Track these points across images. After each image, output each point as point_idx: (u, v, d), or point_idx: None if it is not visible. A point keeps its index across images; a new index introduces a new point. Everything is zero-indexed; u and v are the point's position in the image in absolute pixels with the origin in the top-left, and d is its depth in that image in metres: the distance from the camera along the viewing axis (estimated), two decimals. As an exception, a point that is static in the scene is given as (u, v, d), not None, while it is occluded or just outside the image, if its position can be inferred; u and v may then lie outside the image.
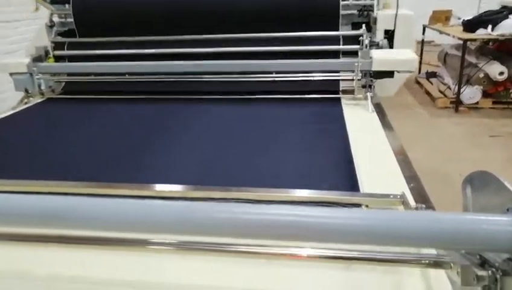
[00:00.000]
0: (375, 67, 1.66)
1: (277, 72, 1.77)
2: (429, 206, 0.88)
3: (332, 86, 1.79)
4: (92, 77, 1.94)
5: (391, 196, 0.92)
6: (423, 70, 5.45)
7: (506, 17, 4.21)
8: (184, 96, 1.81)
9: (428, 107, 4.76)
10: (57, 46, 2.08)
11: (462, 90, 4.54)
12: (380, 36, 1.84)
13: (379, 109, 1.63)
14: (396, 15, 1.82)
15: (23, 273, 0.77)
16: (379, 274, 0.72)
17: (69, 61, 2.09)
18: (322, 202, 0.93)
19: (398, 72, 1.66)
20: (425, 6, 5.17)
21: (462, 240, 0.54)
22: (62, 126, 1.58)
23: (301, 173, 1.11)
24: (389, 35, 1.84)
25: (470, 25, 4.45)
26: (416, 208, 0.85)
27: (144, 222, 0.58)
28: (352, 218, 0.57)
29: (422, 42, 5.47)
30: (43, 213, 0.59)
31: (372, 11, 1.87)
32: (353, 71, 1.69)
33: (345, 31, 1.89)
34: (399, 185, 1.00)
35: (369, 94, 1.65)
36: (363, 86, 1.76)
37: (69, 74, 2.02)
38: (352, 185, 1.02)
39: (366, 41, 1.78)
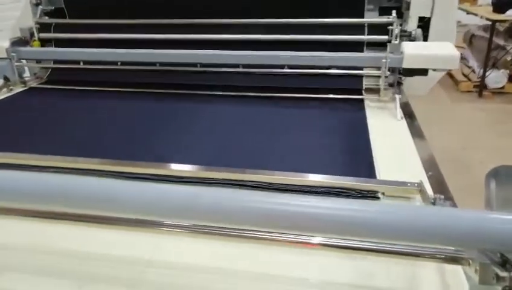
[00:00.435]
0: (407, 64, 1.40)
1: (289, 66, 1.51)
2: (448, 196, 0.85)
3: (354, 84, 1.54)
4: (82, 65, 1.70)
5: (408, 184, 0.90)
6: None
7: (541, -4, 3.87)
8: (180, 90, 1.58)
9: (450, 91, 4.50)
10: (43, 27, 1.84)
11: (487, 73, 4.26)
12: (412, 25, 1.56)
13: (407, 111, 1.39)
14: (434, -1, 1.54)
15: (40, 249, 0.79)
16: (392, 265, 0.71)
17: (56, 45, 1.85)
18: (337, 188, 0.92)
19: (434, 70, 1.40)
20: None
21: (484, 239, 0.52)
22: (38, 124, 1.37)
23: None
24: (424, 23, 1.56)
25: (500, 5, 4.12)
26: (434, 199, 0.82)
27: (158, 207, 0.58)
28: (369, 211, 0.55)
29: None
30: (62, 193, 0.60)
31: (406, -7, 1.59)
32: (379, 68, 1.43)
33: (371, 17, 1.61)
34: (417, 173, 0.98)
35: (397, 96, 1.40)
36: (390, 85, 1.50)
37: (55, 61, 1.79)
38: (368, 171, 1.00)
39: (397, 31, 1.51)
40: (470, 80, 4.45)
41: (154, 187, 0.61)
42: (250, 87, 1.56)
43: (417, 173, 0.99)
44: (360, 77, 1.54)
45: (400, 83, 1.51)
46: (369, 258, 0.69)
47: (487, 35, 4.19)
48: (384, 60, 1.39)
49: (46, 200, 0.61)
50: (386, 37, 1.53)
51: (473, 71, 4.51)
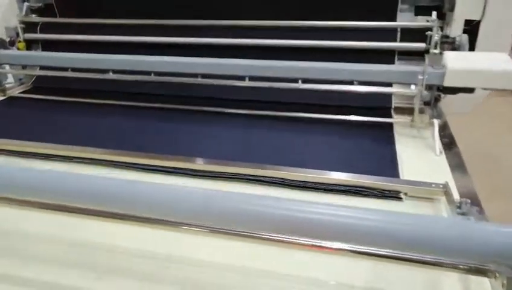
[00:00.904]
0: (450, 82, 1.10)
1: (303, 81, 1.25)
2: (475, 201, 0.80)
3: (381, 102, 1.26)
4: (71, 72, 1.48)
5: (433, 185, 0.87)
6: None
7: None
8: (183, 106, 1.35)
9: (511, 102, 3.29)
10: (30, 27, 1.64)
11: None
12: (457, 29, 1.26)
13: (447, 139, 1.10)
14: (487, -3, 1.23)
15: (61, 240, 0.82)
16: (413, 273, 0.68)
17: (44, 48, 1.64)
18: (358, 187, 0.90)
19: (484, 89, 1.11)
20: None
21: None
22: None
23: None
24: (472, 28, 1.26)
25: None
26: (460, 203, 0.79)
27: (177, 209, 0.59)
28: (393, 222, 0.52)
29: None
30: (85, 192, 0.62)
31: (449, -11, 1.28)
32: (414, 84, 1.15)
33: (404, 20, 1.31)
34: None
35: (435, 122, 1.11)
36: (426, 103, 1.21)
37: (42, 67, 1.59)
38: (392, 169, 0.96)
39: (437, 38, 1.22)
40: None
41: (168, 189, 0.61)
42: (252, 104, 1.31)
43: None
44: (389, 94, 1.26)
45: (437, 100, 1.22)
46: (390, 265, 0.65)
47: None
48: (421, 77, 1.10)
49: (69, 198, 0.64)
50: (423, 44, 1.24)
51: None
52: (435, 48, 1.22)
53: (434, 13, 1.23)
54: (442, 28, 1.27)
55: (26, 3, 1.65)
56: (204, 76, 1.31)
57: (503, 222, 0.51)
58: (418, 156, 1.05)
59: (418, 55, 1.26)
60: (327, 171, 0.92)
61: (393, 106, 1.26)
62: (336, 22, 1.30)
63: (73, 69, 1.45)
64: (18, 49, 1.62)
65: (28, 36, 1.63)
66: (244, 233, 0.69)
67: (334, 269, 0.71)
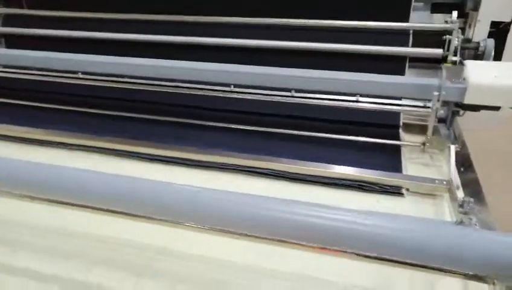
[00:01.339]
0: (471, 99, 0.91)
1: (297, 90, 1.05)
2: (480, 200, 0.77)
3: (386, 119, 1.06)
4: (41, 73, 1.30)
5: (436, 181, 0.86)
6: None
7: None
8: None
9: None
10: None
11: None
12: (481, 33, 1.05)
13: (465, 165, 0.91)
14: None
15: (53, 231, 0.82)
16: (413, 276, 0.67)
17: (8, 44, 1.46)
18: (359, 181, 0.89)
19: (513, 109, 0.91)
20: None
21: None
22: None
23: None
24: (498, 31, 1.05)
25: None
26: (463, 202, 0.75)
27: (187, 212, 0.59)
28: (398, 229, 0.52)
29: None
30: (77, 188, 0.62)
31: (472, -15, 1.06)
32: (427, 100, 0.95)
33: (417, 21, 1.10)
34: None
35: (453, 148, 0.92)
36: (441, 120, 1.02)
37: (5, 66, 1.40)
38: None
39: (456, 43, 1.01)
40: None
41: (165, 186, 0.60)
42: (238, 116, 1.13)
43: None
44: (397, 113, 1.06)
45: (455, 114, 1.02)
46: (389, 267, 0.62)
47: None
48: (436, 93, 0.90)
49: (62, 194, 0.65)
50: (439, 51, 1.03)
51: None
52: (454, 54, 1.02)
53: (454, 13, 1.02)
54: (463, 31, 1.07)
55: (-12, -9, 1.47)
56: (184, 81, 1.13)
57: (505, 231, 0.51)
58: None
59: (433, 63, 1.06)
60: (329, 165, 0.91)
61: (401, 123, 1.06)
62: (335, 22, 1.09)
63: (40, 70, 1.27)
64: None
65: (-10, 30, 1.45)
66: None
67: (335, 270, 0.70)
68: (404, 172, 0.92)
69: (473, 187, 0.84)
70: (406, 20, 1.07)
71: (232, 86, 1.09)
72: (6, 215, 0.87)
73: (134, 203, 0.61)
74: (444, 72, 0.92)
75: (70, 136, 1.10)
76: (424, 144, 0.97)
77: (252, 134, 1.07)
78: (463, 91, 0.90)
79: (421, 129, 1.04)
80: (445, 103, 0.96)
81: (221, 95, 1.09)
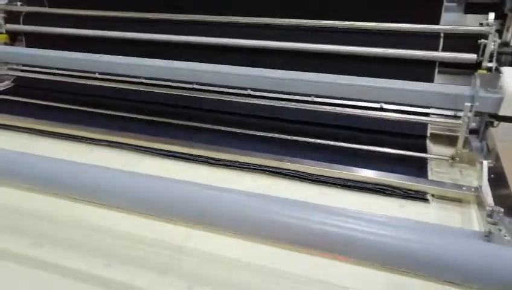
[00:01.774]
0: (507, 111, 0.83)
1: (317, 96, 0.99)
2: (507, 201, 0.73)
3: (413, 129, 0.99)
4: (60, 75, 1.28)
5: (464, 188, 0.82)
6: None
7: None
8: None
9: None
10: (13, 16, 1.45)
11: None
12: (521, 37, 0.96)
13: (499, 183, 0.83)
14: None
15: (76, 225, 0.82)
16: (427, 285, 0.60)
17: (28, 43, 1.46)
18: (382, 185, 0.85)
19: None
20: None
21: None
22: None
23: None
24: (541, 35, 0.95)
25: None
26: (492, 211, 0.70)
27: (186, 210, 0.58)
28: (415, 242, 0.48)
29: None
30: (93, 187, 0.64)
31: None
32: (458, 110, 0.88)
33: (450, 22, 1.02)
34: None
35: (485, 164, 0.84)
36: (473, 131, 0.93)
37: (24, 65, 1.39)
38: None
39: (492, 48, 0.93)
40: None
41: (179, 187, 0.60)
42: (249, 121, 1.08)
43: None
44: (424, 124, 0.98)
45: (488, 126, 0.94)
46: (402, 276, 0.58)
47: None
48: (468, 104, 0.83)
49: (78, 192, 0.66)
50: (473, 56, 0.95)
51: None
52: (490, 60, 0.94)
53: (491, 14, 0.94)
54: (500, 34, 0.98)
55: (10, -12, 1.47)
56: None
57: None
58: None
59: (466, 69, 0.97)
60: (351, 167, 0.88)
61: (429, 134, 0.99)
62: (358, 23, 1.02)
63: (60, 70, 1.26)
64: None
65: (11, 27, 1.45)
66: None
67: (349, 276, 0.67)
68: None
69: (506, 204, 0.76)
70: (437, 21, 0.99)
71: (249, 89, 1.05)
72: (26, 207, 0.86)
73: (156, 205, 0.60)
74: (478, 80, 0.84)
75: (96, 131, 1.10)
76: (453, 158, 0.89)
77: (270, 141, 1.02)
78: (499, 101, 0.82)
79: (451, 140, 0.96)
80: (478, 114, 0.88)
81: (236, 99, 1.05)
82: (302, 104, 1.00)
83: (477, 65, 0.95)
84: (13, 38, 1.47)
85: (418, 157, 0.92)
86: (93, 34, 1.31)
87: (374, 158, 0.93)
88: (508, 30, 0.98)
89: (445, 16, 1.01)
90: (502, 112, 0.83)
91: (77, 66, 1.21)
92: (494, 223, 0.69)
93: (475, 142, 0.92)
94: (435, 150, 0.96)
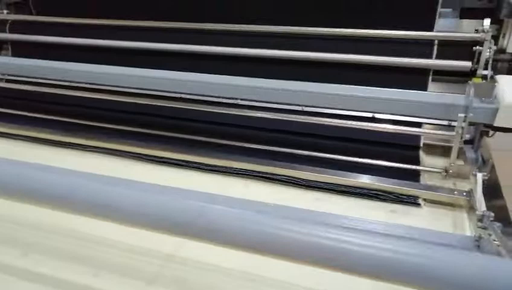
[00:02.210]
0: (503, 122, 0.79)
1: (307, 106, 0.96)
2: (502, 214, 0.73)
3: (405, 140, 0.95)
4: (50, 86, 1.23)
5: (455, 192, 0.82)
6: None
7: None
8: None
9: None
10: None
11: None
12: (517, 43, 0.93)
13: (494, 195, 0.79)
14: None
15: (62, 232, 0.81)
16: None
17: (14, 52, 1.43)
18: (374, 190, 0.85)
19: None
20: None
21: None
22: None
23: None
24: (538, 42, 0.92)
25: None
26: (482, 216, 0.71)
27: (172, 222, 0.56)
28: (414, 255, 0.46)
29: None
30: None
31: (508, -12, 0.94)
32: (450, 121, 0.84)
33: (444, 28, 0.99)
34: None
35: (479, 177, 0.80)
36: (467, 142, 0.90)
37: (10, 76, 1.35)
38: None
39: (487, 55, 0.90)
40: None
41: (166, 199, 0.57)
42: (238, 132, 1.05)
43: None
44: (417, 136, 0.95)
45: (483, 135, 0.91)
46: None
47: None
48: (462, 115, 0.79)
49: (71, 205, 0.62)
50: (467, 64, 0.91)
51: None
52: (485, 68, 0.90)
53: (486, 20, 0.90)
54: (496, 40, 0.95)
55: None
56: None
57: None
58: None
59: (461, 76, 0.94)
60: (344, 172, 0.89)
61: (422, 144, 0.95)
62: (348, 30, 0.98)
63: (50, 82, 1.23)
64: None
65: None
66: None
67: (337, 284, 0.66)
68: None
69: (500, 215, 0.73)
70: (431, 28, 0.96)
71: (239, 100, 1.02)
72: (15, 216, 0.86)
73: (141, 218, 0.58)
74: (472, 89, 0.80)
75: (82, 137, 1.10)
76: (446, 170, 0.86)
77: (258, 152, 0.99)
78: (494, 112, 0.79)
79: (445, 151, 0.93)
80: (472, 123, 0.85)
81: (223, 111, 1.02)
82: (291, 115, 0.97)
83: (472, 73, 0.92)
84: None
85: (409, 169, 0.89)
86: (82, 42, 1.28)
87: (365, 170, 0.90)
88: (504, 36, 0.95)
89: (440, 22, 0.98)
90: (497, 123, 0.80)
91: (65, 76, 1.18)
92: (484, 228, 0.69)
93: (470, 153, 0.89)
94: (428, 162, 0.93)
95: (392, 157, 0.91)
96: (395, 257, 0.46)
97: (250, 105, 1.02)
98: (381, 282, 0.50)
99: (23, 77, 1.28)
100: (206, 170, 0.97)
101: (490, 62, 0.90)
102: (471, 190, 0.80)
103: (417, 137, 0.94)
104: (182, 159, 1.00)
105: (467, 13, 1.01)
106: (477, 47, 0.90)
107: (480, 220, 0.71)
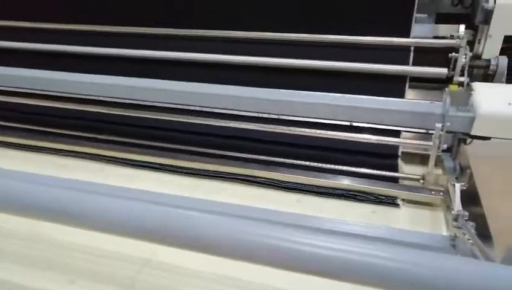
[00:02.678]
0: (480, 131, 0.78)
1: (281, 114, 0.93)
2: (476, 212, 0.73)
3: (383, 148, 0.94)
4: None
5: (432, 192, 0.84)
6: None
7: None
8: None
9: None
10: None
11: None
12: (492, 49, 0.92)
13: (472, 203, 0.78)
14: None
15: (36, 239, 0.80)
16: None
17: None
18: (353, 191, 0.87)
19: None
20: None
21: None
22: None
23: None
24: (513, 47, 0.92)
25: None
26: (457, 216, 0.71)
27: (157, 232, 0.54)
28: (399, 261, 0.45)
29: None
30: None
31: (483, -6, 0.93)
32: (428, 130, 0.83)
33: (420, 34, 0.97)
34: None
35: (457, 187, 0.79)
36: (446, 150, 0.89)
37: None
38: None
39: (463, 61, 0.89)
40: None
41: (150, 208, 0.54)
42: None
43: None
44: (395, 146, 0.94)
45: (461, 142, 0.89)
46: None
47: None
48: (439, 125, 0.78)
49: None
50: (443, 70, 0.90)
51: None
52: (461, 74, 0.89)
53: (461, 27, 0.89)
54: (471, 45, 0.94)
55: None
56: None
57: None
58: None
59: (438, 83, 0.93)
60: (323, 174, 0.90)
61: (400, 153, 0.94)
62: (324, 36, 0.96)
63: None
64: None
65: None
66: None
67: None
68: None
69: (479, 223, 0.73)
70: (407, 34, 0.94)
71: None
72: None
73: (120, 226, 0.56)
74: (448, 98, 0.79)
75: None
76: (423, 178, 0.85)
77: (235, 160, 0.96)
78: (470, 121, 0.78)
79: (423, 158, 0.91)
80: (450, 131, 0.84)
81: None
82: (266, 125, 0.94)
83: (448, 79, 0.90)
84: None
85: (388, 177, 0.88)
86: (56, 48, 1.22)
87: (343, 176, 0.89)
88: (479, 42, 0.94)
89: (415, 29, 0.96)
90: (474, 132, 0.78)
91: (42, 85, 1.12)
92: (459, 227, 0.71)
93: (447, 162, 0.87)
94: (407, 170, 0.92)
95: (370, 165, 0.90)
96: (371, 261, 0.46)
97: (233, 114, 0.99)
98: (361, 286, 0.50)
99: None
100: (186, 173, 0.97)
101: (466, 68, 0.89)
102: (447, 189, 0.82)
103: (395, 150, 0.93)
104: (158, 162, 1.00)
105: (442, 19, 1.01)
106: (453, 54, 0.89)
107: (456, 219, 0.72)
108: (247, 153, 0.97)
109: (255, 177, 0.93)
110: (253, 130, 0.95)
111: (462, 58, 0.88)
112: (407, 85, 0.94)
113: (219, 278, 0.70)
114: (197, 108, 0.98)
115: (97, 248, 0.76)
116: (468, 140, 0.87)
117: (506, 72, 0.90)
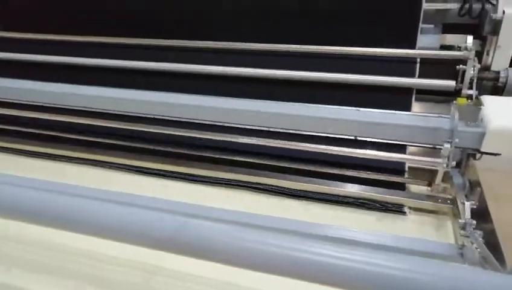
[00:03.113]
0: (490, 147, 0.75)
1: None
2: (485, 220, 0.70)
3: (389, 164, 0.90)
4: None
5: (439, 200, 0.82)
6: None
7: None
8: None
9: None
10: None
11: None
12: (501, 61, 0.89)
13: (484, 228, 0.75)
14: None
15: (46, 246, 0.80)
16: None
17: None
18: (360, 199, 0.86)
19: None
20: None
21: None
22: None
23: None
24: (524, 59, 0.88)
25: None
26: (465, 224, 0.71)
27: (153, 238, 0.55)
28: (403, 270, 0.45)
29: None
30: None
31: (493, 4, 0.90)
32: (435, 145, 0.80)
33: (427, 44, 0.94)
34: None
35: (468, 206, 0.75)
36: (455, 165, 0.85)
37: None
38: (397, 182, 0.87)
39: (472, 73, 0.85)
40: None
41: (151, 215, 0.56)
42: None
43: None
44: (401, 163, 0.89)
45: (470, 157, 0.86)
46: None
47: None
48: (447, 145, 0.74)
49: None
50: (451, 83, 0.87)
51: None
52: (470, 87, 0.86)
53: (469, 38, 0.86)
54: (480, 57, 0.91)
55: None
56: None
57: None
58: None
59: (445, 96, 0.90)
60: (330, 181, 0.89)
61: (407, 169, 0.90)
62: (329, 47, 0.93)
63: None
64: None
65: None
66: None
67: None
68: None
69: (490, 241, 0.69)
70: (413, 45, 0.92)
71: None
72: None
73: (125, 234, 0.57)
74: (456, 114, 0.76)
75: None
76: (433, 200, 0.82)
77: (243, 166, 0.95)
78: (480, 136, 0.75)
79: (430, 176, 0.88)
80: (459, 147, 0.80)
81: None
82: (269, 140, 0.92)
83: (456, 92, 0.87)
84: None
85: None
86: (51, 60, 1.20)
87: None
88: (488, 53, 0.91)
89: (421, 40, 0.93)
90: (484, 148, 0.75)
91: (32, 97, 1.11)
92: (467, 236, 0.69)
93: (457, 178, 0.84)
94: (413, 187, 0.88)
95: (376, 182, 0.87)
96: (379, 270, 0.45)
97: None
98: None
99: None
100: (194, 181, 0.97)
101: (475, 81, 0.86)
102: (455, 197, 0.80)
103: (402, 167, 0.89)
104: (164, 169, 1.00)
105: (449, 29, 0.97)
106: (461, 66, 0.86)
107: (463, 228, 0.71)
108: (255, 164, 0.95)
109: (262, 184, 0.92)
110: (259, 145, 0.92)
111: (471, 71, 0.85)
112: (413, 97, 0.91)
113: (228, 286, 0.70)
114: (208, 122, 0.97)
115: (105, 254, 0.77)
116: (478, 155, 0.84)
117: (515, 85, 0.87)
